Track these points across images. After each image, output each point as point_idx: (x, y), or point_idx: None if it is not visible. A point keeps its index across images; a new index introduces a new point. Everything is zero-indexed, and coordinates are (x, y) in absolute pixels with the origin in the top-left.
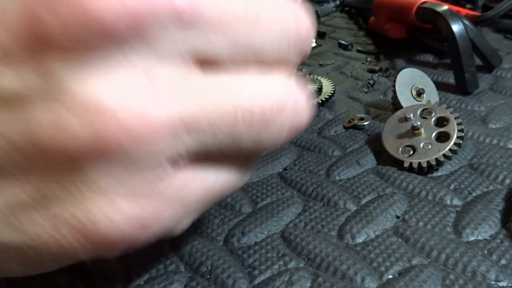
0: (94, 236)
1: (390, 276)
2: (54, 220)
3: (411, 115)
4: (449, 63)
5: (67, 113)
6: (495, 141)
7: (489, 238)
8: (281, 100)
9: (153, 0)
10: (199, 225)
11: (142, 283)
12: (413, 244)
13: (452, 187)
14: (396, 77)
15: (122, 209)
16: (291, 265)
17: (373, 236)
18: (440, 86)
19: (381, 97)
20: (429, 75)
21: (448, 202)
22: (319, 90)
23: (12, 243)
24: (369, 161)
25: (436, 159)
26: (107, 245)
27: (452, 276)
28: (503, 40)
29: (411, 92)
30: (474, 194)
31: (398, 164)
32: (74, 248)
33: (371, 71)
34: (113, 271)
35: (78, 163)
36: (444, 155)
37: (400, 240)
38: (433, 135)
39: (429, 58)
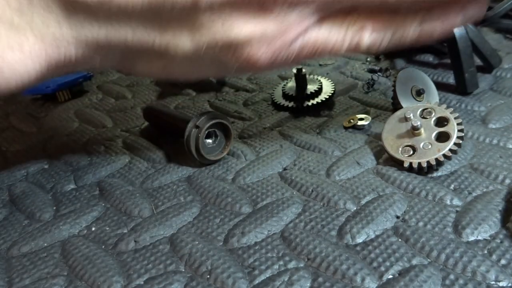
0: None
1: (390, 276)
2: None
3: (411, 115)
4: (449, 63)
5: None
6: (495, 141)
7: (489, 238)
8: None
9: None
10: (199, 225)
11: (142, 283)
12: (413, 244)
13: (452, 187)
14: (396, 77)
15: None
16: (291, 265)
17: (373, 236)
18: (440, 86)
19: (381, 97)
20: (429, 75)
21: (448, 202)
22: (319, 90)
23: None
24: (369, 161)
25: (436, 159)
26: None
27: (452, 276)
28: (503, 40)
29: (411, 92)
30: (474, 194)
31: (398, 164)
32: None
33: (371, 71)
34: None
35: None
36: (444, 155)
37: (400, 240)
38: (433, 135)
39: (429, 58)
